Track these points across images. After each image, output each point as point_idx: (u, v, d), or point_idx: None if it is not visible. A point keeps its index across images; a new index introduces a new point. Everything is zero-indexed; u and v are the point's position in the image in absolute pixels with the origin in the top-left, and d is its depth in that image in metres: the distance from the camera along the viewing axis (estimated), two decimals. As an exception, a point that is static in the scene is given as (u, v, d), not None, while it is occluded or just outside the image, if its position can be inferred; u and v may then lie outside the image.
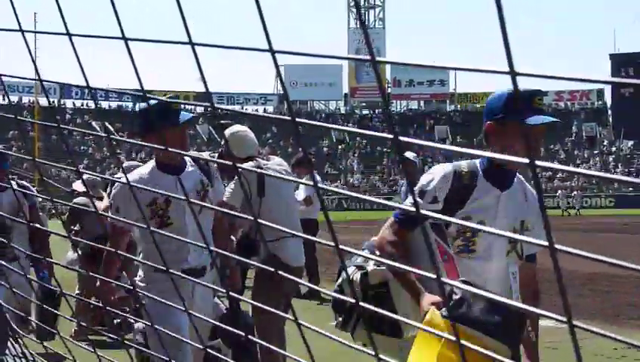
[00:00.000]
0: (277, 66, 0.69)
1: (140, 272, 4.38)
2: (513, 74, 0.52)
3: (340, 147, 75.81)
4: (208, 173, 4.46)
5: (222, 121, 9.29)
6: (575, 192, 56.18)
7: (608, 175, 0.53)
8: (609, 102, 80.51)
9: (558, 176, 68.10)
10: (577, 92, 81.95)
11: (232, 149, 5.43)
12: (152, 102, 4.18)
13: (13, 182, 6.81)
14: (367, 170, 71.38)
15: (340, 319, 3.58)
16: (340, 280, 3.65)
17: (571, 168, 0.55)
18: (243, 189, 1.40)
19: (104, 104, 75.88)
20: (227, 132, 5.78)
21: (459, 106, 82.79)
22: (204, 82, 0.75)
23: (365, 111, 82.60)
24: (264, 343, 1.03)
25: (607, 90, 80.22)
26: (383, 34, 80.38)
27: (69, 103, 76.83)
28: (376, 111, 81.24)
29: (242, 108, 77.96)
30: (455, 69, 0.58)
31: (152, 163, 4.34)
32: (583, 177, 68.13)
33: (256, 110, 79.68)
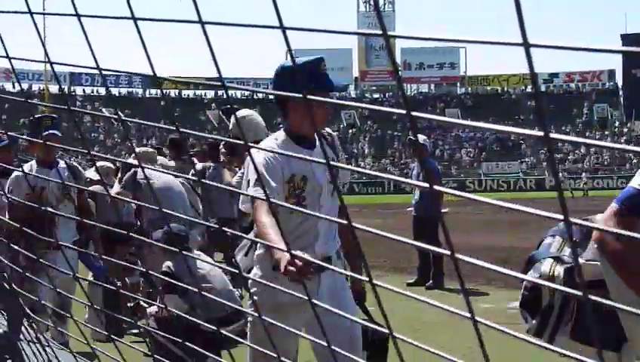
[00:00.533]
0: (287, 43, 0.68)
1: (256, 270, 3.60)
2: (526, 45, 0.51)
3: (350, 131, 75.72)
4: (334, 146, 3.92)
5: (229, 106, 9.23)
6: (583, 174, 55.63)
7: (620, 145, 0.52)
8: (620, 83, 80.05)
9: (569, 158, 67.86)
10: (588, 73, 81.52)
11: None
12: (299, 61, 3.45)
13: (61, 161, 6.21)
14: (378, 154, 71.30)
15: (534, 322, 2.94)
16: (533, 274, 2.93)
17: (587, 140, 0.54)
18: (257, 171, 1.38)
19: (114, 91, 76.08)
20: (241, 114, 5.79)
21: (469, 89, 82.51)
22: (214, 60, 0.75)
23: (376, 95, 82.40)
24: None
25: (619, 71, 79.81)
26: (392, 17, 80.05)
27: (79, 90, 77.01)
28: (387, 95, 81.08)
29: (252, 93, 77.92)
30: (467, 41, 0.58)
31: (281, 134, 3.60)
32: (594, 157, 67.88)
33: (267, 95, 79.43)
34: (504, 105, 76.74)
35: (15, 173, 5.76)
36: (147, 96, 78.46)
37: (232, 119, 5.76)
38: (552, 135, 0.52)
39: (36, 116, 6.24)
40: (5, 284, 1.92)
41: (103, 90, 75.72)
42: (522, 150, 70.91)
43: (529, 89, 79.15)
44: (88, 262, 6.23)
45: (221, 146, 8.63)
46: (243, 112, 5.89)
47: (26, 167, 5.88)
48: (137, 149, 8.06)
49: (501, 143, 71.73)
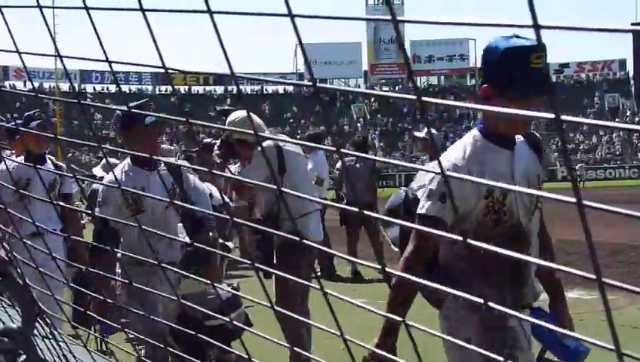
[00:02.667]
0: (297, 31, 0.68)
1: None
2: (537, 27, 0.51)
3: (359, 125, 75.66)
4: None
5: (225, 107, 9.09)
6: (579, 165, 54.90)
7: (634, 126, 0.52)
8: (632, 72, 79.58)
9: (580, 148, 67.62)
10: (599, 63, 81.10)
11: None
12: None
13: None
14: (388, 147, 71.22)
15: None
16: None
17: (599, 121, 0.54)
18: (269, 166, 1.38)
19: (124, 87, 76.23)
20: (231, 117, 5.72)
21: (480, 81, 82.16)
22: (223, 49, 0.75)
23: (385, 88, 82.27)
24: (290, 313, 1.03)
25: (630, 61, 79.33)
26: (402, 9, 79.83)
27: (89, 88, 77.16)
28: (397, 87, 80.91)
29: (262, 87, 77.96)
30: (476, 24, 0.57)
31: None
32: (606, 147, 67.60)
33: (276, 90, 79.59)
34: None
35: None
36: (157, 92, 78.63)
37: (228, 119, 5.73)
38: (564, 117, 0.51)
39: (133, 104, 4.97)
40: (19, 280, 1.93)
41: (113, 88, 75.87)
42: (533, 141, 70.62)
43: (539, 80, 78.70)
44: None
45: (215, 148, 8.34)
46: (238, 113, 5.80)
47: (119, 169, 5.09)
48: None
49: (512, 135, 71.44)
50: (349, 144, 12.43)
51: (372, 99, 78.46)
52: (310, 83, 0.72)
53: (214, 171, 1.17)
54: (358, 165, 10.96)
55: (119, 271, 4.78)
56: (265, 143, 5.27)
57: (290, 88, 79.67)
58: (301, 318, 1.05)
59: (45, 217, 5.50)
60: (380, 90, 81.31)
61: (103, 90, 77.43)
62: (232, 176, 5.40)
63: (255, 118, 5.77)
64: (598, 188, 40.52)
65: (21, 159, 6.18)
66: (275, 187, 0.87)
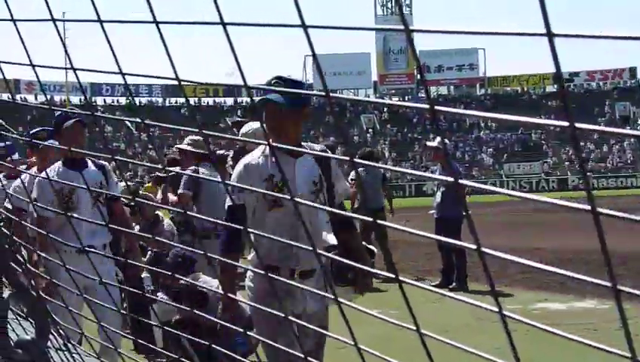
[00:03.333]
0: (310, 42, 0.68)
1: None
2: (550, 35, 0.51)
3: (368, 135, 75.69)
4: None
5: (237, 119, 9.09)
6: (588, 174, 54.91)
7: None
8: (643, 80, 79.32)
9: (592, 156, 67.40)
10: (609, 71, 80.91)
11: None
12: None
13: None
14: (398, 157, 71.18)
15: None
16: None
17: (611, 128, 0.54)
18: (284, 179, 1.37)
19: (134, 100, 76.52)
20: (245, 129, 5.73)
21: (489, 90, 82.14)
22: (236, 59, 0.75)
23: (395, 99, 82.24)
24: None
25: (640, 68, 79.10)
26: (410, 19, 79.92)
27: (99, 100, 77.51)
28: (406, 97, 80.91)
29: (272, 99, 78.08)
30: (488, 33, 0.58)
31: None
32: (617, 155, 67.35)
33: (286, 101, 79.63)
34: (524, 106, 76.33)
35: None
36: (167, 104, 78.91)
37: (242, 131, 5.75)
38: (578, 125, 0.51)
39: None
40: (32, 291, 1.93)
41: (123, 100, 76.21)
42: (544, 150, 70.50)
43: (549, 89, 78.75)
44: None
45: (229, 159, 8.23)
46: (251, 125, 5.80)
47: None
48: (188, 138, 7.88)
49: (522, 144, 71.36)
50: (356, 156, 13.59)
51: (383, 110, 78.46)
52: (323, 93, 0.72)
53: (227, 182, 1.17)
54: (366, 175, 12.02)
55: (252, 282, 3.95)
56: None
57: (300, 99, 79.49)
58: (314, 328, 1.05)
59: (90, 231, 5.07)
60: (390, 100, 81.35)
61: (113, 102, 77.79)
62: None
63: (261, 130, 5.79)
64: (610, 197, 40.29)
65: (56, 166, 5.45)
66: (288, 197, 0.88)
